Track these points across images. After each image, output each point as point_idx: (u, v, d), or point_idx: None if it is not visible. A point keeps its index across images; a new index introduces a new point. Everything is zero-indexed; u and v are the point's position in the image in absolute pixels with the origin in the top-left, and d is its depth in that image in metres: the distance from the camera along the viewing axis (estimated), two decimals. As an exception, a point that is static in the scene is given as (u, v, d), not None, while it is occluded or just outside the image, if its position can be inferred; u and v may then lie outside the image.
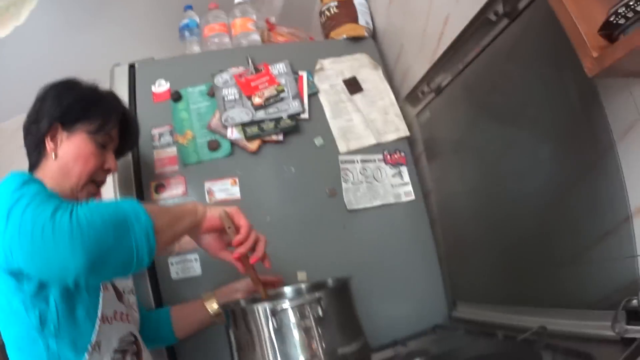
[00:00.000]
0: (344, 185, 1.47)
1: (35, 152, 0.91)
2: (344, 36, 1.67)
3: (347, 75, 1.61)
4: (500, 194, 1.24)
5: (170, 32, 1.72)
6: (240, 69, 1.51)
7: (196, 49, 1.64)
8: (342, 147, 1.50)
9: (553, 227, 1.05)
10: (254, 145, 1.42)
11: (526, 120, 1.11)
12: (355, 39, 1.67)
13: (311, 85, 1.55)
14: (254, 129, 1.42)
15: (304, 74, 1.55)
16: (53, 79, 0.97)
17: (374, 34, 1.74)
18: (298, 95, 1.50)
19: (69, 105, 0.92)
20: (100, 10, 2.03)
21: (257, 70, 1.51)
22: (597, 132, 0.90)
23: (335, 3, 1.69)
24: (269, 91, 1.47)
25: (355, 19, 1.68)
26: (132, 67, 1.48)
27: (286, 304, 0.95)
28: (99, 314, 0.80)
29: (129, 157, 1.33)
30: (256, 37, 1.66)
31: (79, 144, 0.91)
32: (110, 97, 1.02)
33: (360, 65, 1.65)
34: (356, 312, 1.05)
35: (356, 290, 1.02)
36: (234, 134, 1.43)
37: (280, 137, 1.45)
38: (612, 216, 0.88)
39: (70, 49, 2.06)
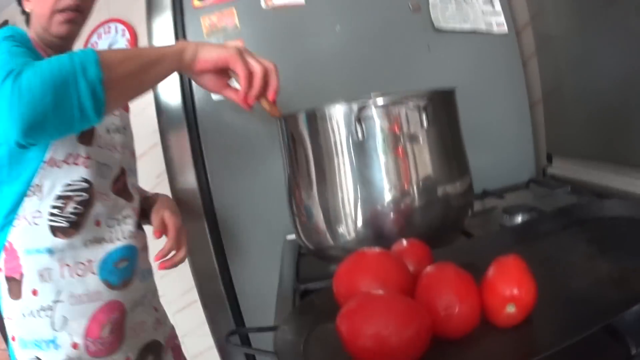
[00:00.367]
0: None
1: (21, 9, 0.87)
2: None
3: None
4: (616, 33, 0.92)
5: None
6: None
7: None
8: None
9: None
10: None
11: None
12: None
13: None
14: None
15: None
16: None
17: None
18: None
19: None
20: None
21: None
22: None
23: None
24: None
25: None
26: None
27: (378, 106, 0.70)
28: (46, 157, 0.77)
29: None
30: None
31: None
32: None
33: None
34: (463, 141, 0.79)
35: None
36: None
37: None
38: None
39: None
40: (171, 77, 0.79)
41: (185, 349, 2.11)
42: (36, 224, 0.77)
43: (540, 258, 0.62)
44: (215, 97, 1.15)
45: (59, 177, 0.78)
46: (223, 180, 1.20)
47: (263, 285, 1.03)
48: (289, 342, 0.52)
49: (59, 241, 0.77)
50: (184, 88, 1.18)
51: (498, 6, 1.28)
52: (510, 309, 0.46)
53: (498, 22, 1.27)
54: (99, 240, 0.82)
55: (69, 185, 0.79)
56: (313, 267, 0.87)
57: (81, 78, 0.64)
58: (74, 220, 0.78)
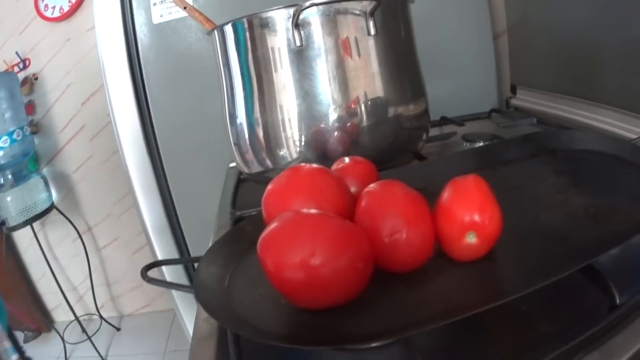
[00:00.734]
0: None
1: None
2: None
3: None
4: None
5: None
6: None
7: None
8: None
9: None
10: None
11: None
12: None
13: None
14: None
15: None
16: None
17: None
18: None
19: None
20: None
21: None
22: None
23: None
24: None
25: None
26: None
27: (318, 10, 0.59)
28: None
29: None
30: None
31: None
32: None
33: None
34: (418, 60, 0.70)
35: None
36: None
37: None
38: None
39: None
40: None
41: (145, 293, 2.09)
42: None
43: (505, 186, 0.54)
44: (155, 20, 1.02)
45: None
46: (165, 110, 1.10)
47: (208, 217, 0.94)
48: (213, 275, 0.43)
49: None
50: (126, 17, 1.03)
51: None
52: (470, 238, 0.38)
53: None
54: None
55: None
56: (252, 193, 0.78)
57: None
58: None
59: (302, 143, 0.63)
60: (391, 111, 0.66)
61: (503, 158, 0.62)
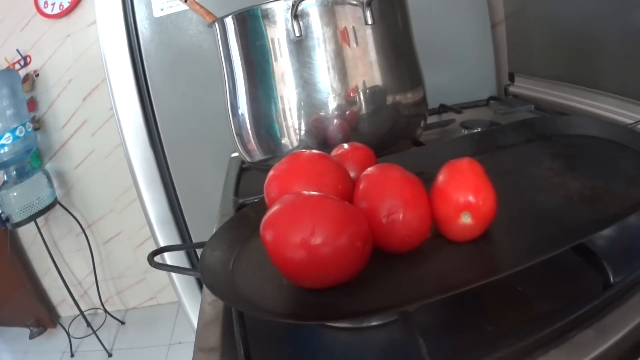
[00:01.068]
0: None
1: None
2: None
3: None
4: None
5: None
6: None
7: None
8: None
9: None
10: None
11: None
12: None
13: None
14: None
15: None
16: None
17: None
18: None
19: None
20: None
21: None
22: None
23: None
24: None
25: None
26: None
27: (316, 0, 0.60)
28: None
29: None
30: None
31: None
32: None
33: None
34: (416, 49, 0.71)
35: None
36: None
37: None
38: None
39: None
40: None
41: (149, 286, 2.11)
42: None
43: (502, 170, 0.55)
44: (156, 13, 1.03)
45: None
46: (167, 103, 1.10)
47: (211, 207, 0.95)
48: (217, 260, 0.44)
49: None
50: (127, 12, 1.04)
51: None
52: (465, 218, 0.39)
53: None
54: None
55: None
56: (254, 181, 0.79)
57: None
58: None
59: (303, 131, 0.64)
60: (389, 99, 0.67)
61: (500, 143, 0.63)
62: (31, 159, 1.82)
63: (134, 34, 1.07)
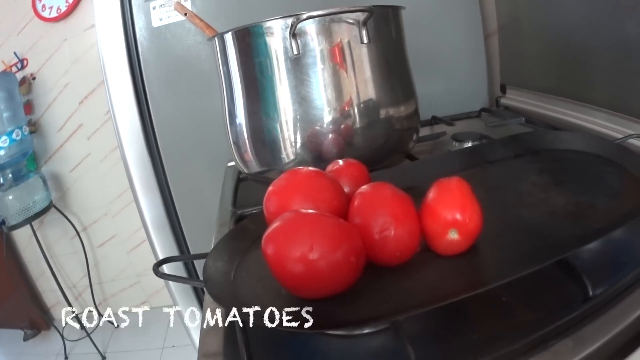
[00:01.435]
0: None
1: None
2: None
3: None
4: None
5: None
6: None
7: None
8: None
9: None
10: None
11: None
12: None
13: None
14: None
15: None
16: None
17: None
18: None
19: None
20: None
21: None
22: None
23: None
24: None
25: None
26: None
27: (314, 20, 0.62)
28: None
29: None
30: None
31: None
32: None
33: None
34: (409, 63, 0.73)
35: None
36: None
37: None
38: None
39: None
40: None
41: (143, 289, 2.11)
42: None
43: (489, 185, 0.58)
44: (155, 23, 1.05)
45: None
46: (165, 109, 1.12)
47: (207, 213, 0.97)
48: (219, 270, 0.46)
49: None
50: (126, 21, 1.06)
51: None
52: (453, 235, 0.42)
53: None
54: None
55: None
56: (251, 192, 0.82)
57: None
58: None
59: (299, 145, 0.67)
60: (382, 113, 0.69)
61: (489, 158, 0.66)
62: (27, 162, 1.83)
63: (132, 42, 1.09)
